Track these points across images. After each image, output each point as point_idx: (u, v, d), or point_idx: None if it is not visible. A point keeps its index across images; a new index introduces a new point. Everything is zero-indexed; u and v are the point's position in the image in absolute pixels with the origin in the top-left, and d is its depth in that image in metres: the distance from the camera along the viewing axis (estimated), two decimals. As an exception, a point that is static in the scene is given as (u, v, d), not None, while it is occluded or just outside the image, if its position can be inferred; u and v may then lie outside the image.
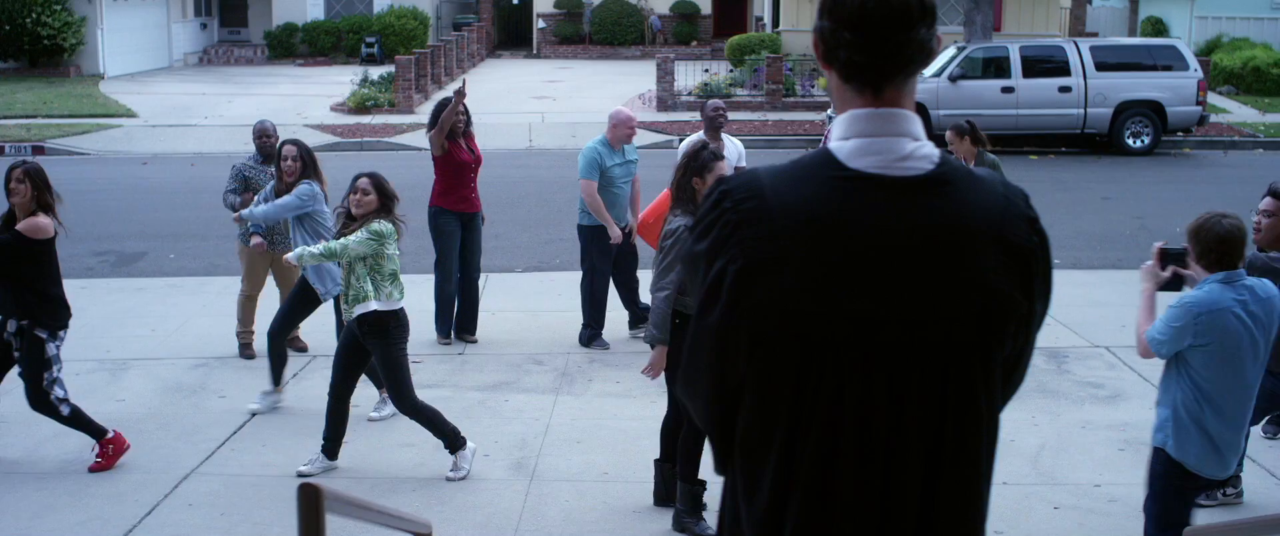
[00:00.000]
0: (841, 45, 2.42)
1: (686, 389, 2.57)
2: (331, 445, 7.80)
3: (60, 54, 34.11)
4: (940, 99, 23.04)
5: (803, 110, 28.09)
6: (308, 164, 9.27)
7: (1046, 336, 10.73)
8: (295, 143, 9.32)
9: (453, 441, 7.68)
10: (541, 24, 43.69)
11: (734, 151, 10.78)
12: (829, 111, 24.58)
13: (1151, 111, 23.30)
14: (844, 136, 2.45)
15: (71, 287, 13.13)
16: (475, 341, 10.74)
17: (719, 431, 2.55)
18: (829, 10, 2.42)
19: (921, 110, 22.69)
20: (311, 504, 2.82)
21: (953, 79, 23.17)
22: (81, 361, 10.31)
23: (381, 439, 8.44)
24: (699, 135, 10.74)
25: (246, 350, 10.34)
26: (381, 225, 7.57)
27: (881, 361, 2.38)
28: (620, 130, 10.42)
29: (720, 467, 2.60)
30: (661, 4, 43.42)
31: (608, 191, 10.41)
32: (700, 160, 6.83)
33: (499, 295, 12.41)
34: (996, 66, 23.52)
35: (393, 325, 7.57)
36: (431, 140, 10.50)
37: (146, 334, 11.12)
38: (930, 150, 2.44)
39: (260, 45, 41.83)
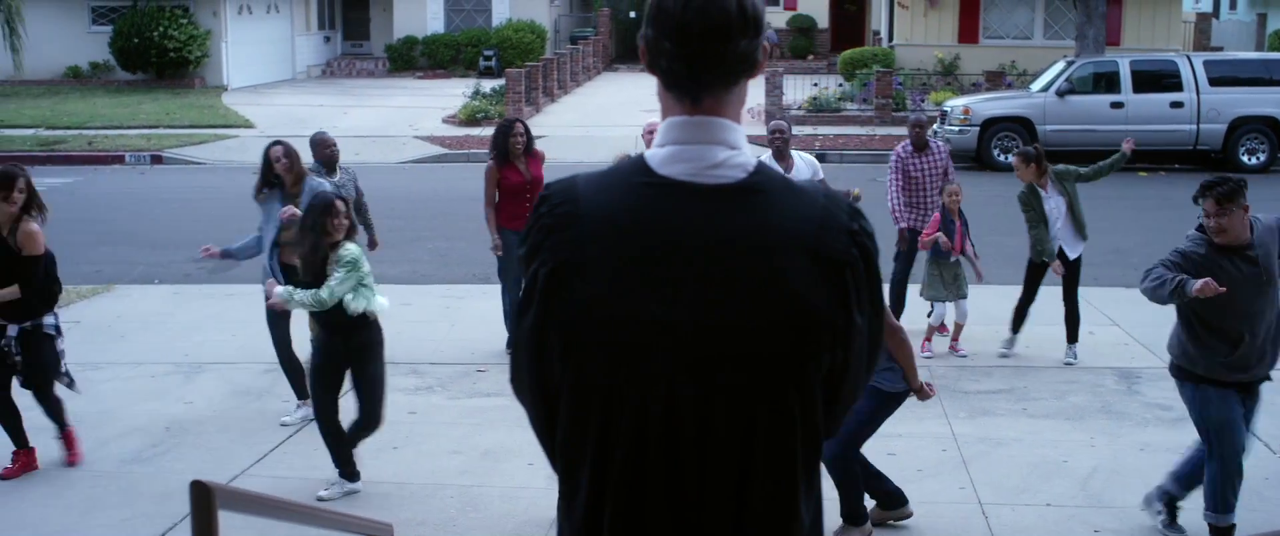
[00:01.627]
0: (662, 54, 2.42)
1: (516, 393, 2.59)
2: (347, 468, 7.69)
3: (186, 66, 35.01)
4: (1047, 114, 22.69)
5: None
6: (296, 162, 9.23)
7: (1121, 356, 10.60)
8: (281, 143, 9.32)
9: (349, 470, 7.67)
10: (658, 38, 43.77)
11: (807, 168, 10.74)
12: (936, 125, 24.34)
13: (1268, 128, 22.68)
14: (660, 144, 2.46)
15: (165, 293, 13.61)
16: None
17: (545, 436, 2.56)
18: (652, 19, 2.42)
19: (1027, 125, 22.41)
20: (203, 502, 2.88)
21: (1060, 94, 22.78)
22: (158, 364, 10.61)
23: (429, 445, 8.55)
24: (764, 154, 10.75)
25: None
26: (348, 251, 7.36)
27: (688, 368, 2.36)
28: (650, 139, 10.42)
29: (555, 470, 2.61)
30: (778, 18, 43.29)
31: None
32: None
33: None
34: (1106, 81, 23.06)
35: (380, 332, 7.61)
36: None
37: (226, 339, 11.37)
38: (745, 159, 2.43)
39: (381, 58, 42.53)
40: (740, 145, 2.44)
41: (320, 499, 7.45)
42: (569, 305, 2.39)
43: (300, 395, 9.03)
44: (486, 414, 9.17)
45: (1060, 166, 10.71)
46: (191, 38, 34.70)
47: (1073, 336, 10.54)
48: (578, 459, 2.46)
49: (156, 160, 25.15)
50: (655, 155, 2.44)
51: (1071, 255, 10.51)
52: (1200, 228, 6.72)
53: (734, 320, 2.35)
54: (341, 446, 7.66)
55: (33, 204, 7.91)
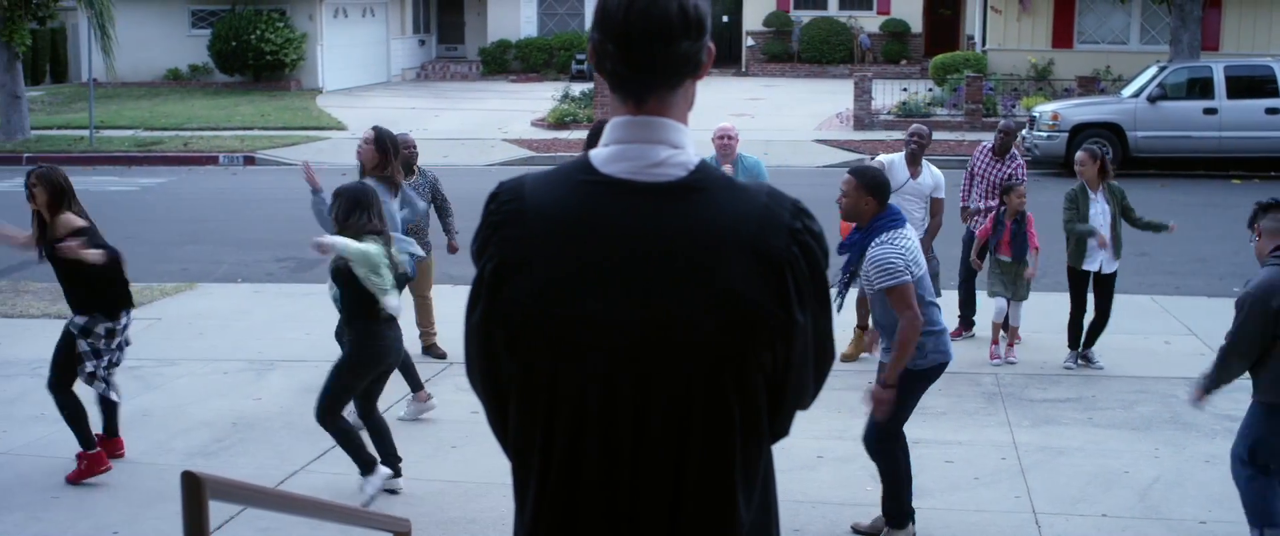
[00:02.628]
0: (606, 56, 2.45)
1: (471, 386, 2.63)
2: (391, 461, 7.73)
3: (282, 69, 35.60)
4: (1138, 120, 22.33)
5: (1003, 130, 27.49)
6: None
7: (1196, 366, 10.32)
8: (376, 128, 9.46)
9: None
10: (750, 42, 43.74)
11: (931, 180, 10.70)
12: (1025, 131, 24.05)
13: (1370, 135, 22.16)
14: (605, 143, 2.49)
15: (246, 292, 13.85)
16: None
17: (497, 428, 2.59)
18: (598, 23, 2.45)
19: (1117, 131, 22.07)
20: (193, 492, 2.94)
21: (1151, 99, 22.40)
22: (232, 361, 10.81)
23: (489, 445, 8.61)
24: (896, 155, 10.74)
25: (432, 349, 10.71)
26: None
27: (625, 364, 2.39)
28: (718, 143, 10.42)
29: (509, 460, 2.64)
30: (872, 22, 43.03)
31: None
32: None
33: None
34: (1200, 87, 22.64)
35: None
36: None
37: (300, 336, 11.54)
38: (687, 158, 2.44)
39: (475, 61, 42.92)
40: (683, 144, 2.47)
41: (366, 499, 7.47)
42: (512, 301, 2.43)
43: (414, 387, 9.21)
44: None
45: (1115, 184, 10.57)
46: (288, 41, 35.26)
47: (1090, 342, 10.43)
48: (526, 450, 2.51)
49: (249, 161, 25.60)
50: (599, 154, 2.48)
51: (1107, 269, 10.37)
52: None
53: (671, 316, 2.37)
54: (387, 438, 7.76)
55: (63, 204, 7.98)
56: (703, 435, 2.41)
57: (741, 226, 2.40)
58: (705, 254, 2.38)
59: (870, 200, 6.66)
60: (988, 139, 12.80)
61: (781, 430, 2.57)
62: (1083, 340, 10.51)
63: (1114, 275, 10.45)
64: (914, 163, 10.62)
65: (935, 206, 10.58)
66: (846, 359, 10.63)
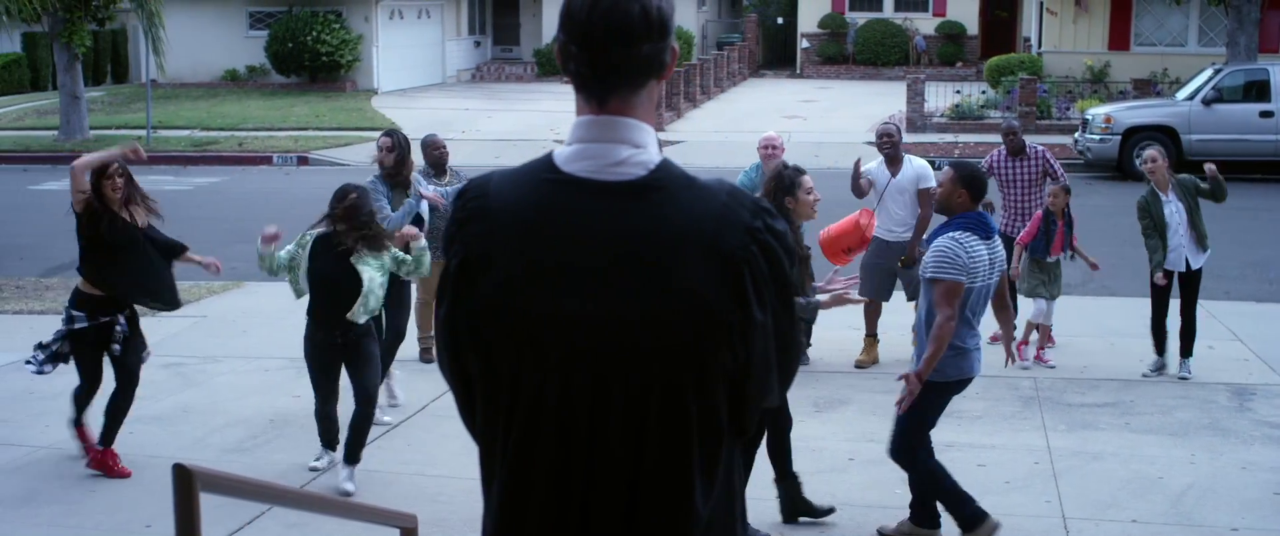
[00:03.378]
0: (570, 57, 2.48)
1: (444, 378, 2.67)
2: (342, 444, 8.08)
3: (337, 70, 35.85)
4: (1192, 123, 22.08)
5: (1056, 133, 27.23)
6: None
7: (1238, 372, 10.31)
8: (395, 132, 9.78)
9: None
10: (805, 44, 43.62)
11: (912, 173, 10.65)
12: (1076, 133, 23.87)
13: None
14: (568, 142, 2.52)
15: (288, 291, 13.92)
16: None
17: (467, 420, 2.63)
18: (562, 23, 2.48)
19: (1171, 134, 21.84)
20: (184, 484, 2.99)
21: (1206, 102, 22.14)
22: (273, 359, 10.92)
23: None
24: (875, 162, 10.77)
25: (426, 354, 10.74)
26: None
27: (582, 361, 2.42)
28: (763, 153, 10.44)
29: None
30: (927, 24, 42.81)
31: None
32: (786, 180, 6.90)
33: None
34: (1256, 90, 22.36)
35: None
36: None
37: (342, 335, 11.61)
38: (648, 158, 2.47)
39: (530, 62, 43.06)
40: (645, 144, 2.49)
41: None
42: (476, 296, 2.48)
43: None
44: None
45: (1184, 176, 10.45)
46: (344, 42, 35.52)
47: (1186, 350, 10.24)
48: (490, 441, 2.54)
49: (303, 161, 25.82)
50: (562, 153, 2.51)
51: (1194, 265, 10.22)
52: None
53: (628, 314, 2.40)
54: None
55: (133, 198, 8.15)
56: (660, 432, 2.43)
57: (700, 225, 2.42)
58: (663, 253, 2.41)
59: (962, 193, 6.70)
60: (1043, 144, 12.71)
61: (746, 427, 2.59)
62: (1180, 350, 10.31)
63: (1200, 272, 10.27)
64: (892, 163, 10.64)
65: (923, 198, 10.47)
66: (860, 366, 10.58)
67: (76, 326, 8.06)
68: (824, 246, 10.48)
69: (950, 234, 6.61)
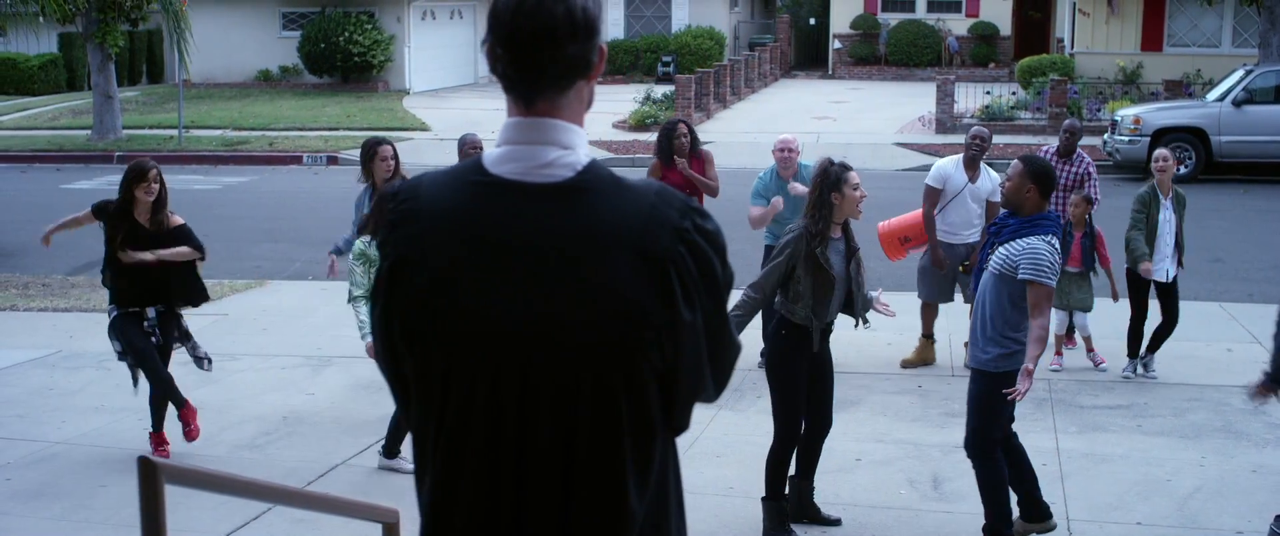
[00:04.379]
0: (497, 59, 2.50)
1: (382, 375, 2.70)
2: None
3: (369, 70, 36.02)
4: (1222, 125, 21.91)
5: (1087, 134, 26.96)
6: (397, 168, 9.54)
7: (1256, 375, 10.16)
8: (390, 143, 9.78)
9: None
10: (837, 44, 43.53)
11: (989, 184, 10.63)
12: (1105, 134, 23.72)
13: None
14: (497, 144, 2.54)
15: (313, 289, 14.06)
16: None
17: (406, 418, 2.66)
18: (489, 25, 2.50)
19: (1201, 135, 21.70)
20: (149, 478, 3.03)
21: (1237, 103, 21.97)
22: (290, 356, 11.00)
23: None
24: (954, 158, 10.74)
25: None
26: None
27: (510, 361, 2.44)
28: (779, 155, 10.37)
29: None
30: (960, 25, 42.67)
31: (780, 218, 10.27)
32: (832, 176, 6.86)
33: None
34: (1289, 91, 22.20)
35: None
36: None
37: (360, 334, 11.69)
38: (576, 159, 2.49)
39: (562, 63, 43.11)
40: (574, 145, 2.51)
41: None
42: (406, 297, 2.50)
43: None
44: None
45: (1180, 191, 10.40)
46: (376, 42, 35.68)
47: (1154, 346, 10.24)
48: (423, 440, 2.57)
49: (332, 161, 25.94)
50: (490, 155, 2.54)
51: (1171, 276, 10.20)
52: None
53: (555, 314, 2.42)
54: None
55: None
56: (590, 430, 2.46)
57: (626, 226, 2.44)
58: (588, 253, 2.43)
59: (1032, 189, 6.68)
60: (1053, 142, 12.64)
61: (679, 424, 2.60)
62: (1145, 345, 10.34)
63: (1176, 281, 10.28)
64: (972, 167, 10.59)
65: (991, 210, 10.49)
66: (906, 365, 10.59)
67: (112, 317, 8.43)
68: (882, 238, 10.58)
69: (1045, 237, 6.60)
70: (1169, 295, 10.28)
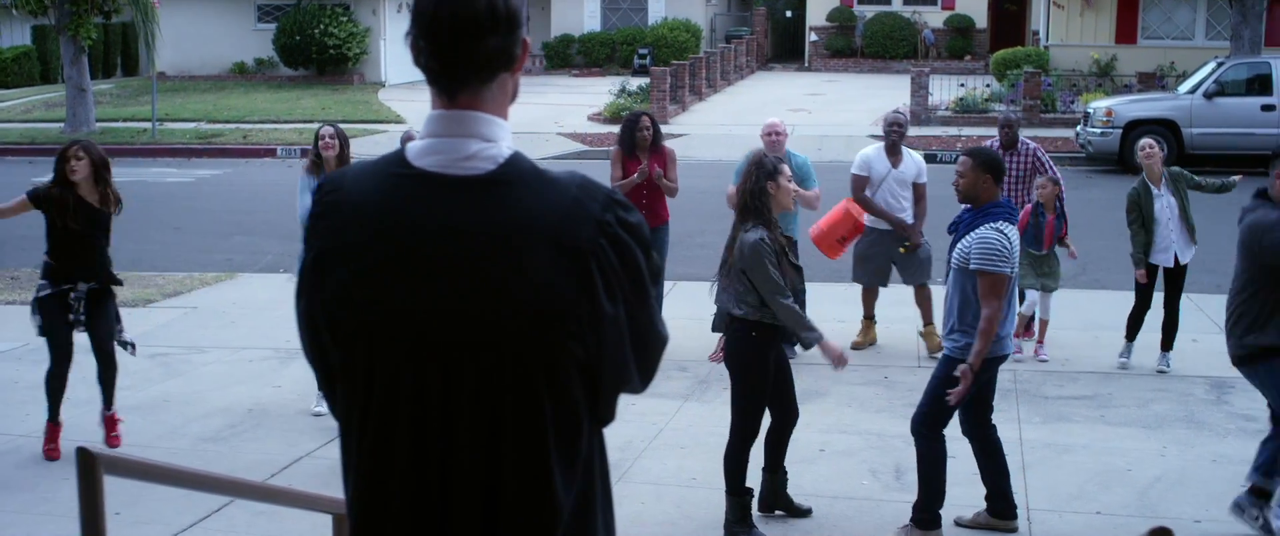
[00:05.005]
0: (420, 52, 2.50)
1: (311, 368, 2.70)
2: None
3: (345, 63, 35.96)
4: (1194, 117, 22.03)
5: (1060, 126, 27.20)
6: (345, 148, 9.49)
7: (1218, 365, 10.25)
8: (333, 124, 9.66)
9: None
10: (813, 37, 43.61)
11: (913, 167, 10.82)
12: (1078, 127, 23.80)
13: None
14: (421, 136, 2.55)
15: (283, 282, 14.03)
16: (650, 350, 10.86)
17: (335, 414, 2.66)
18: (413, 19, 2.51)
19: (1173, 128, 21.80)
20: (87, 468, 3.03)
21: (1208, 96, 22.09)
22: (258, 349, 10.99)
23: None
24: (875, 147, 10.89)
25: None
26: None
27: (432, 354, 2.44)
28: (766, 139, 10.42)
29: None
30: (936, 17, 42.77)
31: None
32: (768, 166, 6.86)
33: (685, 302, 12.52)
34: (1259, 83, 22.29)
35: None
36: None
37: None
38: (498, 152, 2.49)
39: (538, 55, 43.09)
40: (496, 138, 2.51)
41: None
42: (330, 289, 2.51)
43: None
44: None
45: (1175, 169, 10.44)
46: (351, 35, 35.62)
47: (1167, 344, 10.26)
48: (349, 433, 2.57)
49: (305, 154, 25.85)
50: (413, 147, 2.54)
51: (1183, 260, 10.23)
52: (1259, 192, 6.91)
53: (475, 307, 2.43)
54: None
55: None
56: (515, 423, 2.46)
57: (546, 219, 2.45)
58: (508, 246, 2.43)
59: (986, 179, 6.76)
60: (1048, 138, 12.68)
61: (604, 416, 2.61)
62: (1161, 343, 10.35)
63: (1186, 267, 10.30)
64: (894, 152, 10.83)
65: (919, 192, 10.69)
66: (856, 347, 10.67)
67: (41, 294, 8.28)
68: (817, 241, 10.54)
69: (993, 224, 6.64)
70: (1175, 284, 10.27)
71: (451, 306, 2.43)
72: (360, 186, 2.53)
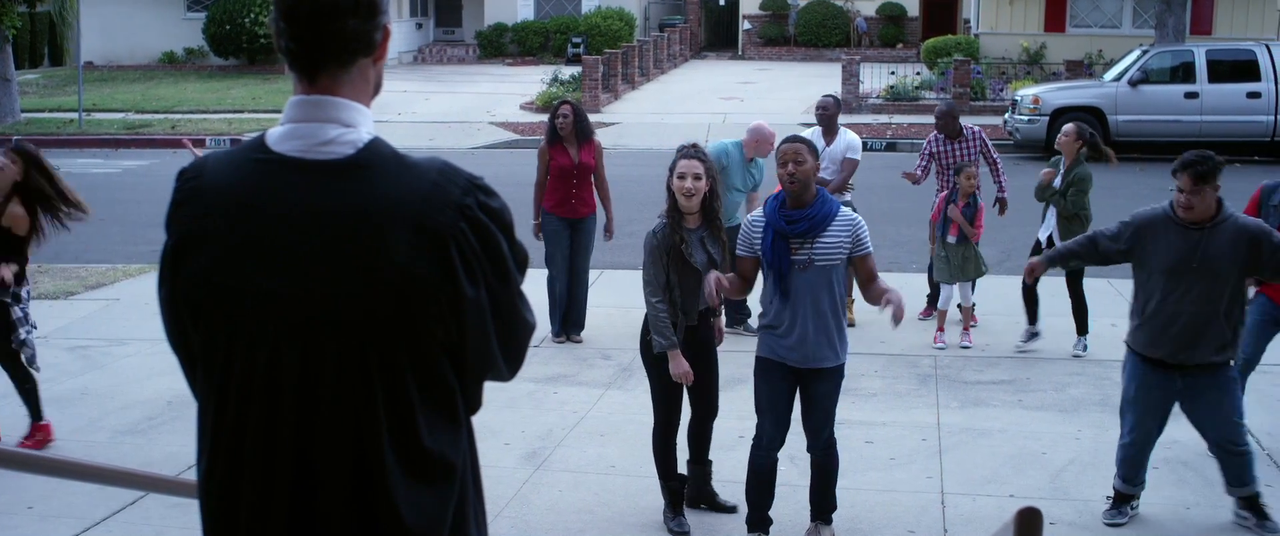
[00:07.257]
0: (281, 34, 2.52)
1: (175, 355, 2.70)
2: None
3: (276, 52, 35.61)
4: (1119, 104, 22.31)
5: (989, 114, 27.45)
6: None
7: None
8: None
9: None
10: (747, 25, 43.73)
11: (842, 144, 11.23)
12: (1007, 114, 24.02)
13: (1351, 120, 22.11)
14: (281, 122, 2.56)
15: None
16: (580, 340, 10.88)
17: (196, 398, 2.66)
18: (275, 1, 2.52)
19: (1099, 115, 22.04)
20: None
21: (1132, 83, 22.38)
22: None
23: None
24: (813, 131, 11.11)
25: None
26: None
27: (290, 338, 2.46)
28: (760, 146, 10.55)
29: None
30: (868, 6, 42.98)
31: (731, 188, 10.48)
32: (672, 161, 6.87)
33: (612, 291, 12.55)
34: (1182, 71, 22.62)
35: None
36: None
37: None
38: (357, 137, 2.51)
39: (472, 45, 43.00)
40: (356, 123, 2.53)
41: None
42: (189, 275, 2.52)
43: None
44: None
45: (1084, 170, 10.55)
46: (282, 24, 35.34)
47: (1082, 328, 10.42)
48: (205, 419, 2.59)
49: (236, 143, 25.66)
50: (273, 133, 2.55)
51: (1057, 240, 10.41)
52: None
53: (333, 290, 2.44)
54: None
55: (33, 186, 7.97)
56: (376, 406, 2.47)
57: (407, 202, 2.46)
58: (368, 229, 2.45)
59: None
60: (977, 124, 12.86)
61: (471, 403, 2.63)
62: (1077, 328, 10.49)
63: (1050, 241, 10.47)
64: (829, 132, 11.27)
65: (847, 166, 11.11)
66: None
67: None
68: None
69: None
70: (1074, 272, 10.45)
71: (310, 290, 2.44)
72: (221, 173, 2.54)
